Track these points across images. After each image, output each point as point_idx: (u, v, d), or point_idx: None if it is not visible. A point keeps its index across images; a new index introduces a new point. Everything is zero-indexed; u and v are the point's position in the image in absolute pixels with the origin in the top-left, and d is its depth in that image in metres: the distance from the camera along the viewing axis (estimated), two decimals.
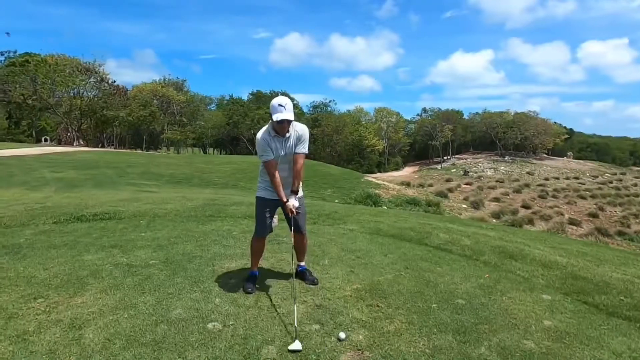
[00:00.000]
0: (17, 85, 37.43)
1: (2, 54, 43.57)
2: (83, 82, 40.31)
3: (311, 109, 62.68)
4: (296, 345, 2.31)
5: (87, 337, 2.36)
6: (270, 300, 2.91)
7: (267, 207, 3.09)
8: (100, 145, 43.21)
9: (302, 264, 3.35)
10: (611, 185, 41.78)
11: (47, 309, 2.67)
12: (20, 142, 36.39)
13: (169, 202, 7.31)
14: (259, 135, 2.94)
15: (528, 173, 47.31)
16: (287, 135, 2.90)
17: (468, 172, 46.93)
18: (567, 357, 2.36)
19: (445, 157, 59.17)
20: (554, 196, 35.18)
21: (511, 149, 60.02)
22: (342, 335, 2.45)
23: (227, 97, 64.32)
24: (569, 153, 64.31)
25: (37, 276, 3.25)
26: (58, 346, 2.26)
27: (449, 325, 2.64)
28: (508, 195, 34.76)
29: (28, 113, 42.34)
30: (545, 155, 61.96)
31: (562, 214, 29.42)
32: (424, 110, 65.97)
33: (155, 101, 46.90)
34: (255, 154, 3.23)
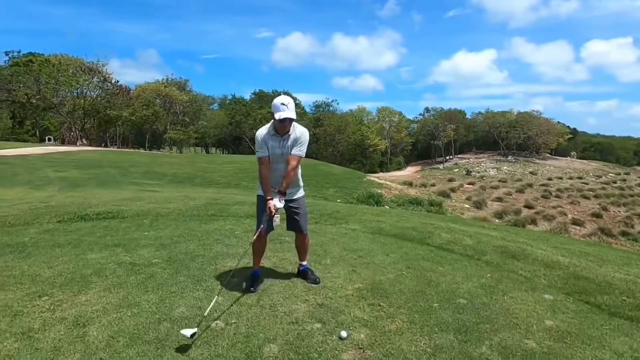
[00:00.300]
0: (21, 85, 37.64)
1: (6, 54, 43.95)
2: (86, 82, 40.45)
3: (313, 109, 62.75)
4: (187, 331, 2.28)
5: (91, 334, 2.38)
6: (272, 299, 2.93)
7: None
8: (103, 144, 43.35)
9: (304, 263, 3.36)
10: (615, 185, 41.51)
11: (52, 307, 2.70)
12: (24, 142, 36.54)
13: (172, 201, 7.34)
14: (259, 131, 3.00)
15: (531, 173, 47.09)
16: (287, 135, 2.92)
17: (471, 171, 46.78)
18: (568, 356, 2.36)
19: (447, 157, 59.02)
20: (557, 196, 35.00)
21: (514, 149, 59.75)
22: (344, 333, 2.46)
23: (230, 97, 64.56)
24: (572, 153, 63.93)
25: (42, 274, 3.29)
26: (63, 343, 2.28)
27: (450, 325, 2.65)
28: (511, 195, 34.62)
29: (32, 113, 42.53)
30: (548, 155, 61.63)
31: (565, 214, 29.27)
32: (427, 109, 65.85)
33: (158, 101, 47.07)
34: None
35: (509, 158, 55.83)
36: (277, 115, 2.79)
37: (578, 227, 26.49)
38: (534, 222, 26.36)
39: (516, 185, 38.62)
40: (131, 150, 39.79)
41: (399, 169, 56.11)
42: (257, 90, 62.49)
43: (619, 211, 31.38)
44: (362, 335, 2.48)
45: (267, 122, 3.12)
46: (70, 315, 2.60)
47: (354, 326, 2.59)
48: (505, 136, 58.61)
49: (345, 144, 52.24)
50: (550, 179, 42.81)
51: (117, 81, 43.80)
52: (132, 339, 2.34)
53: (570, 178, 44.25)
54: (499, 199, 32.61)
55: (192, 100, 52.70)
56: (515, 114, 61.02)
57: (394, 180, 32.82)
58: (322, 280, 3.27)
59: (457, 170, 48.82)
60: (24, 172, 14.09)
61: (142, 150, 41.33)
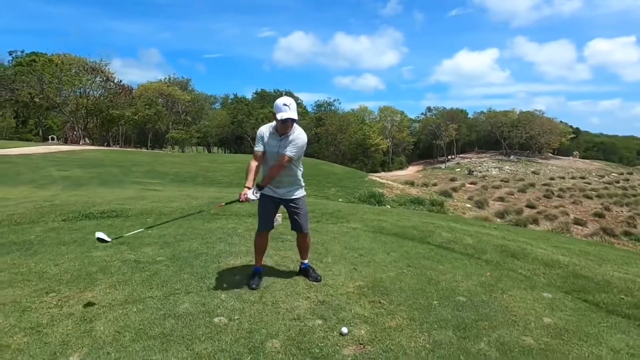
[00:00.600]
0: (24, 85, 37.89)
1: (10, 54, 44.20)
2: (89, 82, 40.69)
3: (315, 108, 62.74)
4: (101, 234, 2.80)
5: (98, 329, 2.44)
6: (274, 296, 2.98)
7: (269, 204, 3.18)
8: (105, 144, 43.55)
9: (306, 261, 3.41)
10: (618, 185, 41.36)
11: (59, 303, 2.76)
12: (27, 141, 36.73)
13: (174, 200, 7.40)
14: (261, 128, 3.09)
15: (533, 172, 46.96)
16: (286, 135, 2.97)
17: (472, 171, 46.71)
18: (565, 353, 2.40)
19: (449, 157, 58.92)
20: (559, 196, 34.91)
21: (516, 148, 59.58)
22: (345, 330, 2.51)
23: (232, 96, 64.73)
24: (575, 152, 63.73)
25: (48, 272, 3.35)
26: (70, 338, 2.34)
27: (449, 322, 2.70)
28: (513, 194, 34.57)
29: (35, 112, 42.79)
30: (550, 154, 61.41)
31: (568, 214, 29.21)
32: (429, 109, 65.81)
33: (160, 100, 47.25)
34: None
35: (511, 158, 55.70)
36: (279, 116, 2.84)
37: (580, 227, 26.44)
38: (535, 221, 26.32)
39: (518, 185, 38.55)
40: (133, 149, 39.94)
41: (400, 168, 56.09)
42: (259, 90, 62.76)
43: (622, 211, 31.26)
44: (362, 332, 2.53)
45: (269, 121, 3.18)
46: (77, 311, 2.66)
47: (354, 323, 2.64)
48: (508, 136, 58.47)
49: (347, 144, 52.25)
50: (552, 179, 42.68)
51: (120, 81, 44.12)
52: (137, 334, 2.40)
53: (573, 178, 44.11)
54: (501, 199, 32.58)
55: (194, 100, 52.87)
56: (517, 113, 60.84)
57: (396, 179, 32.82)
58: (324, 278, 3.32)
59: (459, 169, 48.75)
60: (27, 171, 14.20)
61: (144, 150, 41.47)
